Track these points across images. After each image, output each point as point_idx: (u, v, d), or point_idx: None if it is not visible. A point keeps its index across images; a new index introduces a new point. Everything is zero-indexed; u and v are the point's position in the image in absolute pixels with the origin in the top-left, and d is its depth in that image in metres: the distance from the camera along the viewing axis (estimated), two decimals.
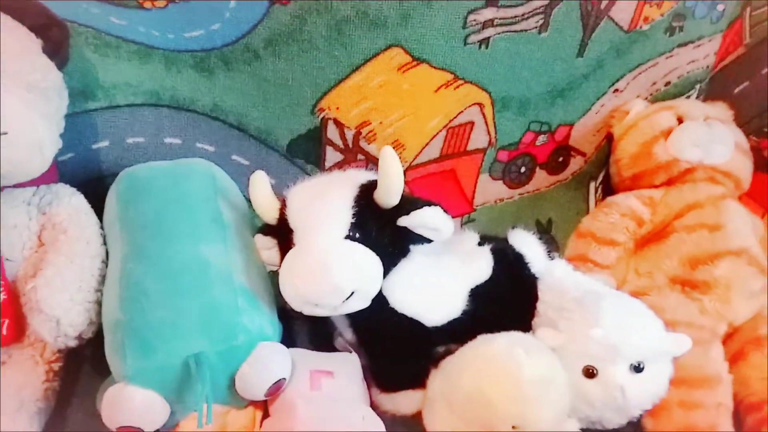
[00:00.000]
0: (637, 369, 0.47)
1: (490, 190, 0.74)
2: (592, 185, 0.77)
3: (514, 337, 0.46)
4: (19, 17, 0.50)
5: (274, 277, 0.52)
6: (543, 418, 0.43)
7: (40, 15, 0.51)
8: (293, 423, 0.43)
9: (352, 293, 0.46)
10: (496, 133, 0.70)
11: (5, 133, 0.44)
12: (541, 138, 0.72)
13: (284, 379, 0.46)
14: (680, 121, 0.66)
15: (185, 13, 0.57)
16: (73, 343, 0.48)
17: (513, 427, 0.43)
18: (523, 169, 0.74)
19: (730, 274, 0.57)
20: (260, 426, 0.47)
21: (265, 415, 0.48)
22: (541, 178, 0.76)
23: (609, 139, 0.72)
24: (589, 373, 0.47)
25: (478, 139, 0.69)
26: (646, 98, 0.73)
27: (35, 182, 0.51)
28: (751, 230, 0.62)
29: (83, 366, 0.55)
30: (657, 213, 0.63)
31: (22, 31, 0.50)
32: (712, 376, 0.52)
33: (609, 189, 0.73)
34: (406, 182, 0.51)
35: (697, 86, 0.74)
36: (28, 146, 0.46)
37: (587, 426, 0.50)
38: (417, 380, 0.52)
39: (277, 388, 0.46)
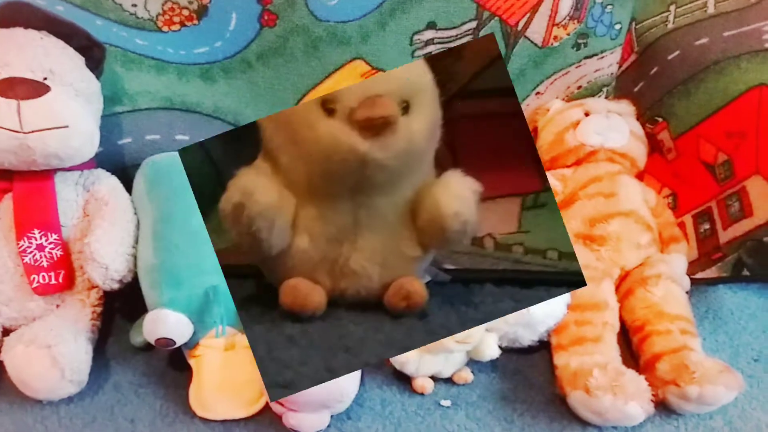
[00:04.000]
0: None
1: None
2: None
3: None
4: (67, 40, 0.61)
5: None
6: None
7: (83, 38, 0.62)
8: None
9: None
10: None
11: (66, 127, 0.56)
12: None
13: None
14: (587, 115, 0.78)
15: (194, 34, 0.68)
16: (116, 286, 0.59)
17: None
18: None
19: (621, 230, 0.69)
20: None
21: None
22: None
23: (536, 130, 0.83)
24: None
25: None
26: (564, 99, 0.83)
27: (81, 167, 0.63)
28: (641, 198, 0.74)
29: (115, 315, 0.67)
30: (567, 186, 0.75)
31: (70, 51, 0.61)
32: (600, 302, 0.63)
33: None
34: None
35: (605, 89, 0.84)
36: (82, 136, 0.58)
37: (509, 345, 0.62)
38: None
39: None
